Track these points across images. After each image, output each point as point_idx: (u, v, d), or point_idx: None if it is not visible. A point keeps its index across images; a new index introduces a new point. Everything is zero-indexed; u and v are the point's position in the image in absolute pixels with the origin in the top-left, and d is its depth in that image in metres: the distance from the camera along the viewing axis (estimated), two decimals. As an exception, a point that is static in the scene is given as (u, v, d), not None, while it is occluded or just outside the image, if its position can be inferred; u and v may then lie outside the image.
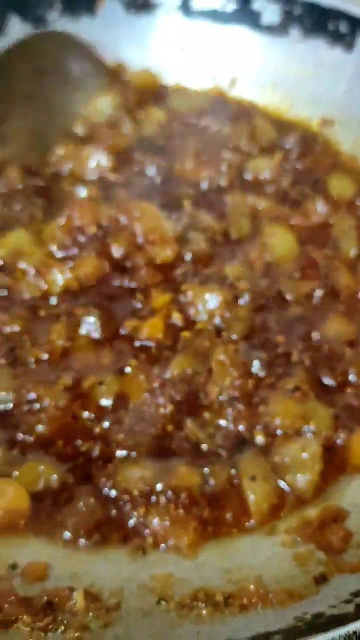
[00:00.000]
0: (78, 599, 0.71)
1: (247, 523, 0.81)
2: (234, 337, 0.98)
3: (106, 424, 0.88)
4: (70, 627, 0.67)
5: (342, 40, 1.36)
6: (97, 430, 0.88)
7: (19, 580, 0.72)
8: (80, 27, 1.42)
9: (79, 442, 0.86)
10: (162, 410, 0.90)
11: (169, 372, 0.93)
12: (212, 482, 0.83)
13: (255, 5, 1.40)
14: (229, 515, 0.81)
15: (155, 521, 0.79)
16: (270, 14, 1.40)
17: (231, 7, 1.42)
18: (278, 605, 0.69)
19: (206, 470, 0.84)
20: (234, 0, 1.41)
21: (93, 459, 0.85)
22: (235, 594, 0.72)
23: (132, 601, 0.72)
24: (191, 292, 1.02)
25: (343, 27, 1.35)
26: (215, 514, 0.81)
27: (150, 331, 0.98)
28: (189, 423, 0.88)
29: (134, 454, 0.85)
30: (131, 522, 0.79)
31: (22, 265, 1.05)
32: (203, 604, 0.71)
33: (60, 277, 1.03)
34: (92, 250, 1.06)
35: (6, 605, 0.68)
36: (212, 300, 1.01)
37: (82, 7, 1.43)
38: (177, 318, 1.00)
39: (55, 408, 0.89)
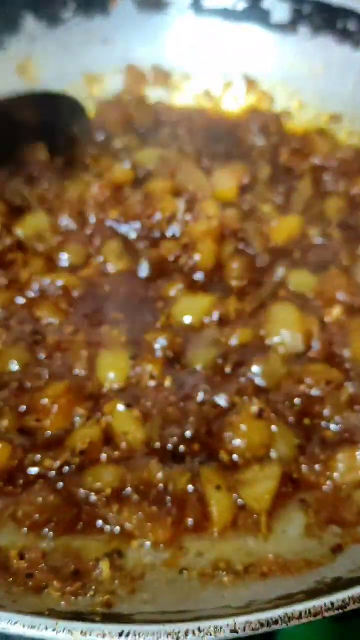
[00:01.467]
0: (104, 568, 0.74)
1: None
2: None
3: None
4: (99, 592, 0.70)
5: (351, 38, 1.39)
6: None
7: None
8: (94, 26, 1.46)
9: None
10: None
11: None
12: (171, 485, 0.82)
13: (266, 4, 1.43)
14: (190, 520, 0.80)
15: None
16: (280, 12, 1.43)
17: (242, 5, 1.45)
18: (297, 573, 0.73)
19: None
20: (245, -1, 1.45)
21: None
22: (254, 564, 0.75)
23: (155, 572, 0.75)
24: None
25: (352, 25, 1.38)
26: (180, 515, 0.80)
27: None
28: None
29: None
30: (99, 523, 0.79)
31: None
32: (224, 573, 0.74)
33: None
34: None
35: (37, 572, 0.72)
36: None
37: (95, 6, 1.46)
38: None
39: None
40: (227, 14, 1.47)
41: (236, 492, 0.81)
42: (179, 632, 0.55)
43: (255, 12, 1.45)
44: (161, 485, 0.80)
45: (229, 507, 0.80)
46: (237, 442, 0.86)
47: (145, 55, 1.50)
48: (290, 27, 1.44)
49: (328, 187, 1.28)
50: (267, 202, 1.22)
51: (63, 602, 0.68)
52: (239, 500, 0.81)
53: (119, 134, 1.35)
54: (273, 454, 0.87)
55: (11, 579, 0.71)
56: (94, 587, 0.71)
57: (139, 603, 0.69)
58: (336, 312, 1.04)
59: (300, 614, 0.57)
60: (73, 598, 0.69)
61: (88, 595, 0.70)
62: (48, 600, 0.68)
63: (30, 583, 0.71)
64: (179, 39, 1.49)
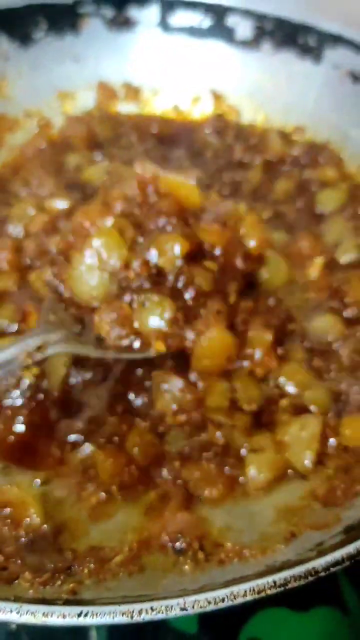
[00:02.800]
0: None
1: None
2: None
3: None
4: (66, 582, 0.75)
5: (311, 52, 1.46)
6: None
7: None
8: (65, 45, 1.52)
9: None
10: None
11: None
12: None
13: (229, 22, 1.50)
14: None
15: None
16: (244, 29, 1.50)
17: (207, 23, 1.51)
18: (252, 559, 0.78)
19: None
20: (209, 17, 1.51)
21: None
22: (214, 552, 0.80)
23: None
24: None
25: (311, 41, 1.45)
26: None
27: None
28: None
29: None
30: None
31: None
32: (188, 559, 0.79)
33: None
34: None
35: (11, 565, 0.76)
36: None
37: (66, 25, 1.51)
38: None
39: None
40: (193, 31, 1.53)
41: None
42: (132, 611, 0.60)
43: (220, 29, 1.51)
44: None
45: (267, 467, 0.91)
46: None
47: (116, 71, 1.56)
48: (253, 43, 1.50)
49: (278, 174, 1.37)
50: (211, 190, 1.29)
51: (31, 591, 0.73)
52: None
53: (81, 149, 1.41)
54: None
55: (-16, 572, 0.76)
56: (62, 577, 0.76)
57: (104, 590, 0.74)
58: (318, 261, 1.15)
59: (245, 592, 0.62)
60: (41, 587, 0.74)
61: (56, 584, 0.75)
62: (18, 589, 0.73)
63: (4, 574, 0.76)
64: (148, 56, 1.55)
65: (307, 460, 0.91)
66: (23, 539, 0.80)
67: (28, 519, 0.81)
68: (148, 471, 0.90)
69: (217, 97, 1.55)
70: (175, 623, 0.90)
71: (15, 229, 1.23)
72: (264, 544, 0.80)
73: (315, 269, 1.15)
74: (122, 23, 1.53)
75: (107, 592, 0.73)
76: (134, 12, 1.52)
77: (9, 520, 0.81)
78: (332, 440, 0.94)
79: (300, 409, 0.97)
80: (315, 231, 1.23)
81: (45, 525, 0.81)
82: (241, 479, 0.90)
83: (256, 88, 1.53)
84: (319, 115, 1.46)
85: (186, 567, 0.78)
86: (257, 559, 0.77)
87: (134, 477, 0.88)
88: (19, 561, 0.77)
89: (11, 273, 1.15)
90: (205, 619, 0.91)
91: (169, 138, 1.47)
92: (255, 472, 0.90)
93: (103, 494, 0.86)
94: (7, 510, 0.82)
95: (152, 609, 0.61)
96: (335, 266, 1.17)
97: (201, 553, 0.80)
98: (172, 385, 0.95)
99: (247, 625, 0.92)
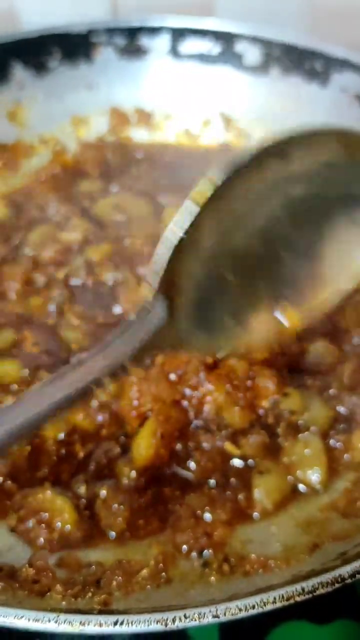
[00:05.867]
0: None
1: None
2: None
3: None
4: (97, 594, 0.77)
5: (318, 77, 1.49)
6: None
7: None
8: (79, 73, 1.56)
9: None
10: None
11: None
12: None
13: (238, 48, 1.54)
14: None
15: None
16: (252, 55, 1.54)
17: (216, 50, 1.55)
18: (277, 569, 0.80)
19: None
20: (218, 45, 1.55)
21: None
22: (239, 564, 0.83)
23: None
24: None
25: (318, 66, 1.49)
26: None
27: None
28: None
29: None
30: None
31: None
32: (214, 571, 0.81)
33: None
34: None
35: (43, 578, 0.79)
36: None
37: (80, 54, 1.56)
38: None
39: None
40: (203, 57, 1.57)
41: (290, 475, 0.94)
42: (167, 619, 0.63)
43: (229, 55, 1.55)
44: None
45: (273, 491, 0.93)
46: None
47: (128, 97, 1.60)
48: (261, 68, 1.54)
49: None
50: None
51: (64, 602, 0.75)
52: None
53: (94, 176, 1.45)
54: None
55: (17, 585, 0.78)
56: (92, 589, 0.78)
57: (133, 601, 0.76)
58: None
59: (275, 598, 0.64)
60: (73, 599, 0.76)
61: (87, 596, 0.77)
62: (50, 601, 0.75)
63: (36, 587, 0.78)
64: (159, 82, 1.59)
65: (317, 476, 0.94)
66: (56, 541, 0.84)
67: (62, 524, 0.85)
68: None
69: (227, 120, 1.59)
70: (196, 636, 0.92)
71: (28, 258, 1.27)
72: (288, 554, 0.83)
73: None
74: (133, 51, 1.58)
75: (137, 603, 0.76)
76: (145, 40, 1.57)
77: (43, 525, 0.84)
78: (346, 456, 0.97)
79: (299, 429, 0.99)
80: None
81: (77, 531, 0.84)
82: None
83: (265, 111, 1.56)
84: (326, 137, 1.50)
85: (212, 578, 0.80)
86: (282, 569, 0.79)
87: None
88: (50, 574, 0.79)
89: (18, 303, 1.19)
90: (226, 631, 0.92)
91: (179, 166, 1.50)
92: (262, 494, 0.92)
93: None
94: (45, 515, 0.85)
95: (185, 616, 0.63)
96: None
97: (226, 565, 0.82)
98: None
99: (268, 638, 0.94)
